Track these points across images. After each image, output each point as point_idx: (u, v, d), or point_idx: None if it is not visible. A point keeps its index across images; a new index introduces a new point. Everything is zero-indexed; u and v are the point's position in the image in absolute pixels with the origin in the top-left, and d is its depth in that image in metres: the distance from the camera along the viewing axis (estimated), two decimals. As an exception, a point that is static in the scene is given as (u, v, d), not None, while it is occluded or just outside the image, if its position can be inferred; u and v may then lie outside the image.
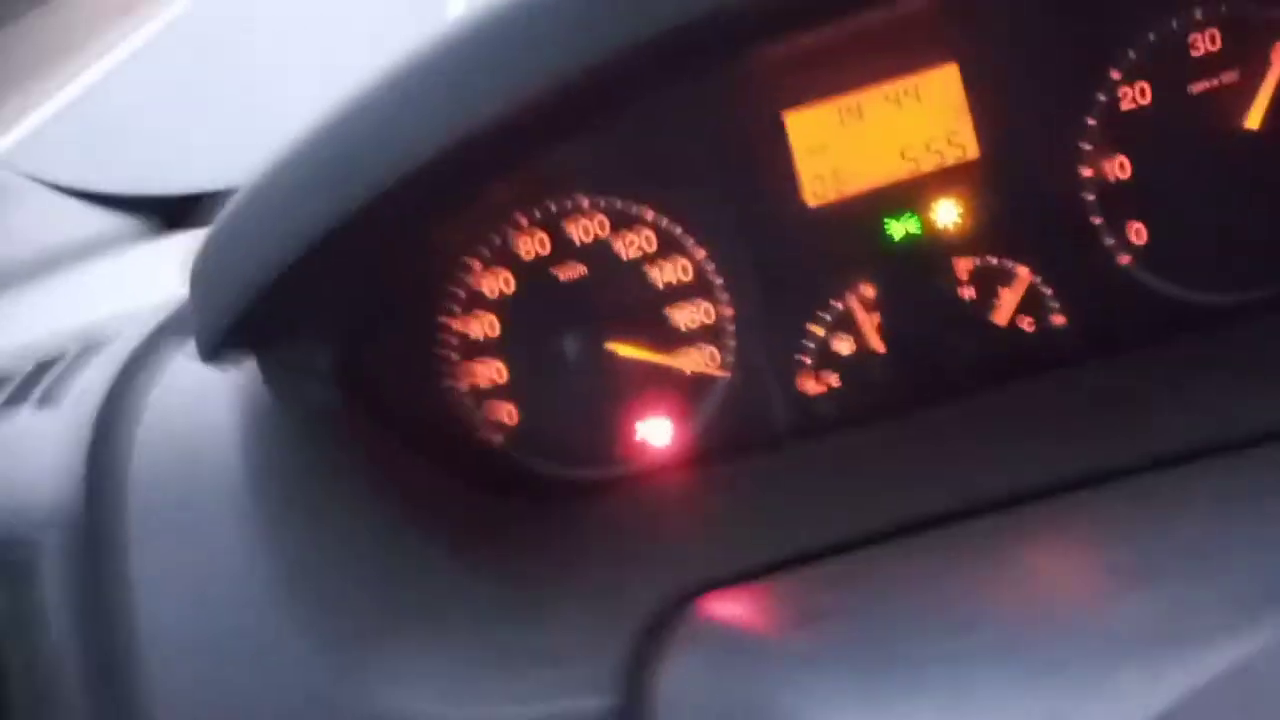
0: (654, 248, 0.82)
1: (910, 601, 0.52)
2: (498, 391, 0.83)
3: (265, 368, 0.70)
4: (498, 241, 0.81)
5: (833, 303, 0.82)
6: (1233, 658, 0.33)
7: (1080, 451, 0.66)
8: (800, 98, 0.79)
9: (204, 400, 0.74)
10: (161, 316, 0.81)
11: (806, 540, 0.66)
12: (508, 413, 0.83)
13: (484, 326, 0.82)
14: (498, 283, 0.82)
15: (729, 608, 0.61)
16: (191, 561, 0.69)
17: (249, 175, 0.56)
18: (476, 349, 0.83)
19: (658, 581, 0.66)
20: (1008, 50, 0.78)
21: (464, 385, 0.83)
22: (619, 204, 0.81)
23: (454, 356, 0.82)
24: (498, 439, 0.84)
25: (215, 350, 0.61)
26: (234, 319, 0.58)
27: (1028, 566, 0.53)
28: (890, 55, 0.78)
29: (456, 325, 0.82)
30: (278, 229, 0.55)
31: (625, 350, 0.82)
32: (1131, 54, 0.78)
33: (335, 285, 0.66)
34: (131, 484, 0.71)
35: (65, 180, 1.32)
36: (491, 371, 0.83)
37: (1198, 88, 0.78)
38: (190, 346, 0.70)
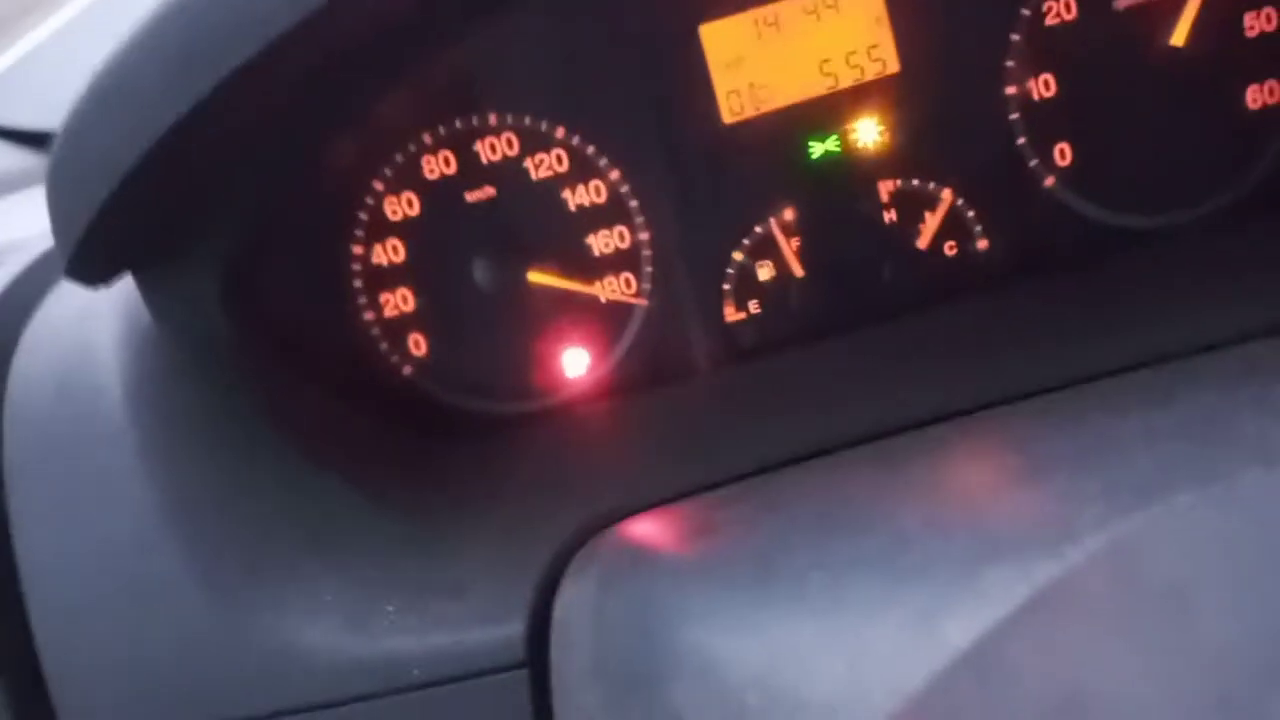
0: (566, 168, 0.78)
1: (805, 513, 0.50)
2: (405, 320, 0.80)
3: (145, 291, 0.66)
4: (401, 161, 0.77)
5: (753, 227, 0.79)
6: (1098, 548, 0.31)
7: (1000, 374, 0.65)
8: (716, 9, 0.76)
9: (85, 325, 0.70)
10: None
11: (722, 467, 0.64)
12: (415, 342, 0.80)
13: (389, 252, 0.79)
14: (402, 205, 0.78)
15: (634, 532, 0.59)
16: (72, 497, 0.65)
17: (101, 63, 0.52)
18: (382, 276, 0.79)
19: (568, 513, 0.63)
20: None
21: (369, 314, 0.79)
22: (528, 121, 0.77)
23: (358, 284, 0.79)
24: (406, 370, 0.80)
25: (76, 265, 0.57)
26: (85, 227, 0.53)
27: (928, 479, 0.51)
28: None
29: (360, 250, 0.78)
30: (124, 120, 0.51)
31: (538, 277, 0.79)
32: (1057, -34, 0.76)
33: (208, 197, 0.62)
34: (6, 416, 0.67)
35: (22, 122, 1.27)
36: (398, 299, 0.79)
37: (1123, 3, 0.76)
38: None
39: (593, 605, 0.51)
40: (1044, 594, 0.30)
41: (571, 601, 0.54)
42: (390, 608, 0.62)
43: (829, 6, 0.75)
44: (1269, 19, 0.77)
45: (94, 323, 0.69)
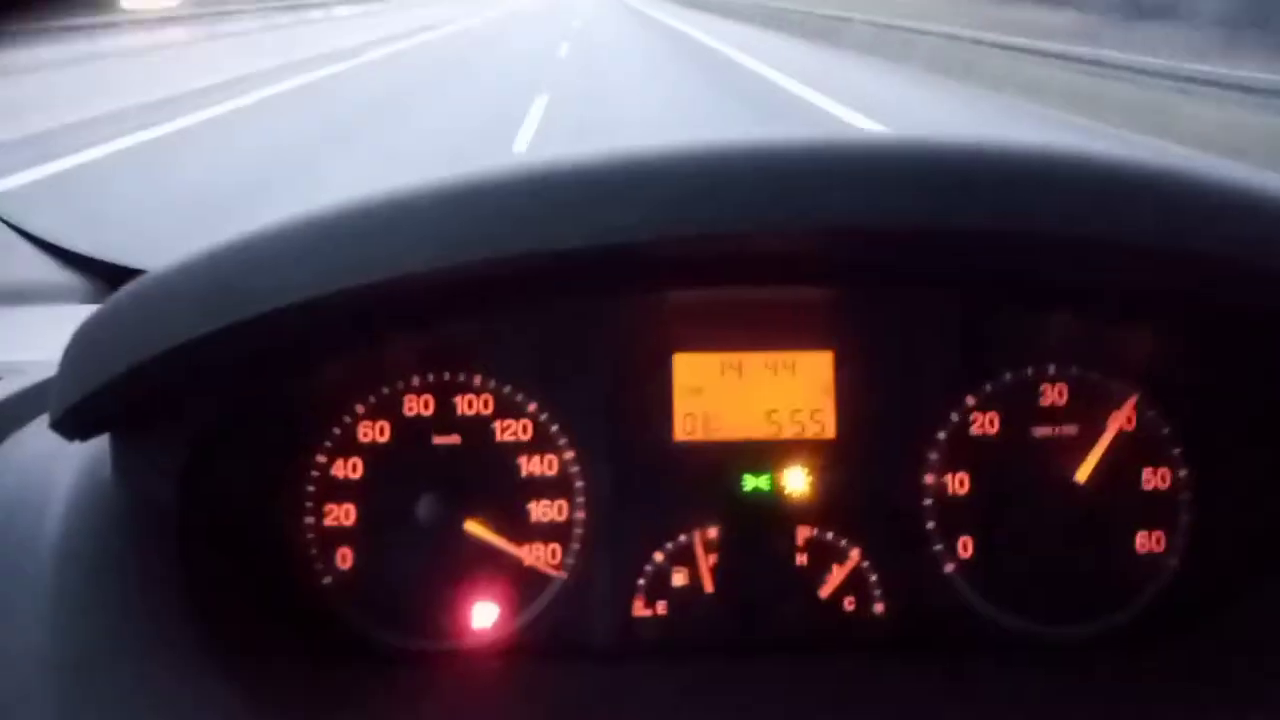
0: (529, 437, 0.87)
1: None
2: (340, 534, 0.85)
3: (115, 448, 0.72)
4: (386, 393, 0.86)
5: (678, 534, 0.86)
6: None
7: None
8: (692, 343, 0.87)
9: (51, 463, 0.76)
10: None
11: None
12: (343, 556, 0.85)
13: (348, 468, 0.86)
14: (374, 430, 0.86)
15: None
16: None
17: (154, 267, 0.62)
18: (334, 488, 0.85)
19: None
20: (880, 355, 0.87)
21: (310, 518, 0.85)
22: (507, 389, 0.87)
23: (310, 488, 0.85)
24: (326, 580, 0.85)
25: (64, 423, 0.64)
26: (87, 393, 0.61)
27: None
28: (778, 331, 0.87)
29: (324, 460, 0.85)
30: (147, 326, 0.60)
31: (475, 527, 0.85)
32: (988, 387, 0.87)
33: (193, 390, 0.70)
34: None
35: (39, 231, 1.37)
36: (341, 512, 0.85)
37: (1040, 432, 0.87)
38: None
39: None
40: None
41: None
42: None
43: (787, 367, 0.86)
44: (1163, 478, 0.87)
45: (60, 462, 0.75)
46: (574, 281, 0.81)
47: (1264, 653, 0.78)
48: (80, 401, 0.61)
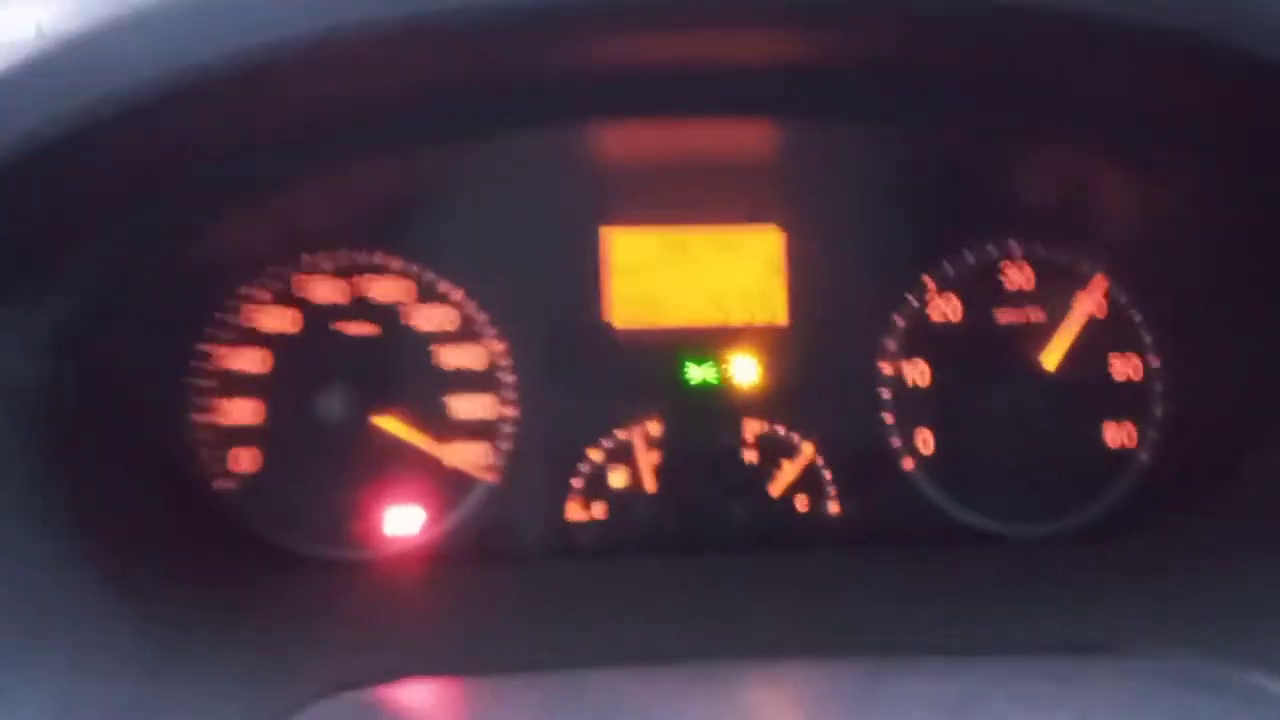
0: (454, 327, 0.79)
1: (579, 710, 0.47)
2: (246, 434, 0.77)
3: None
4: (292, 278, 0.78)
5: (617, 432, 0.79)
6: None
7: (815, 629, 0.63)
8: (627, 214, 0.79)
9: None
10: None
11: (520, 657, 0.60)
12: (246, 459, 0.77)
13: (253, 361, 0.77)
14: (282, 321, 0.78)
15: (377, 694, 0.54)
16: None
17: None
18: (233, 382, 0.77)
19: (336, 666, 0.59)
20: (832, 232, 0.80)
21: (204, 417, 0.76)
22: (430, 275, 0.79)
23: (204, 383, 0.77)
24: (222, 484, 0.77)
25: None
26: None
27: (717, 697, 0.49)
28: (723, 202, 0.79)
29: (219, 350, 0.77)
30: None
31: (390, 425, 0.78)
32: (947, 266, 0.81)
33: (68, 242, 0.61)
34: None
35: None
36: (246, 411, 0.77)
37: (1004, 316, 0.81)
38: None
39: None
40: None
41: None
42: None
43: (734, 246, 0.79)
44: (1135, 368, 0.82)
45: None
46: (483, 104, 0.69)
47: (1231, 548, 0.73)
48: None
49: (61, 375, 0.65)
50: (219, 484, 0.76)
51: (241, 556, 0.75)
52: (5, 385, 0.63)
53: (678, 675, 0.56)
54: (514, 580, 0.75)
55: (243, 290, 0.77)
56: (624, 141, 0.75)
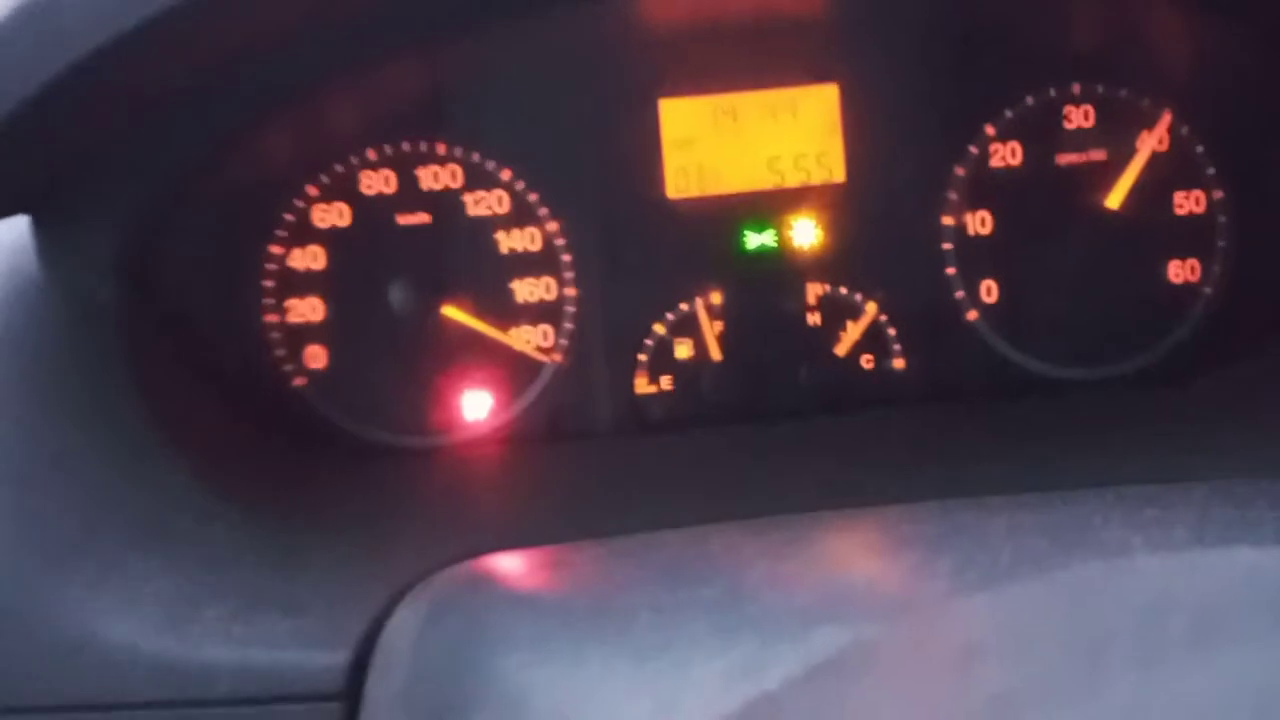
0: (506, 210, 0.78)
1: (654, 561, 0.48)
2: (311, 331, 0.77)
3: (39, 240, 0.63)
4: (341, 171, 0.76)
5: (678, 303, 0.79)
6: (934, 618, 0.29)
7: (890, 483, 0.64)
8: (678, 87, 0.77)
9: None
10: None
11: (598, 528, 0.61)
12: (314, 355, 0.77)
13: (309, 258, 0.77)
14: (333, 215, 0.77)
15: (478, 567, 0.55)
16: None
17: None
18: (296, 281, 0.77)
19: (429, 549, 0.60)
20: (890, 85, 0.78)
21: (273, 317, 0.77)
22: (476, 158, 0.77)
23: (268, 284, 0.76)
24: (298, 381, 0.77)
25: None
26: None
27: (786, 544, 0.50)
28: (774, 63, 0.77)
29: (280, 250, 0.76)
30: (49, 34, 0.49)
31: (456, 314, 0.78)
32: (1008, 113, 0.79)
33: (123, 153, 0.60)
34: None
35: None
36: (307, 307, 0.77)
37: (1066, 159, 0.79)
38: None
39: (416, 632, 0.47)
40: (868, 655, 0.28)
41: (397, 628, 0.50)
42: (212, 613, 0.57)
43: (787, 108, 0.77)
44: (1198, 201, 0.80)
45: None
46: None
47: None
48: None
49: (136, 291, 0.65)
50: (296, 381, 0.77)
51: (322, 450, 0.76)
52: (87, 305, 0.63)
53: (777, 527, 0.57)
54: (589, 456, 0.76)
55: (297, 192, 0.76)
56: (673, 8, 0.72)
